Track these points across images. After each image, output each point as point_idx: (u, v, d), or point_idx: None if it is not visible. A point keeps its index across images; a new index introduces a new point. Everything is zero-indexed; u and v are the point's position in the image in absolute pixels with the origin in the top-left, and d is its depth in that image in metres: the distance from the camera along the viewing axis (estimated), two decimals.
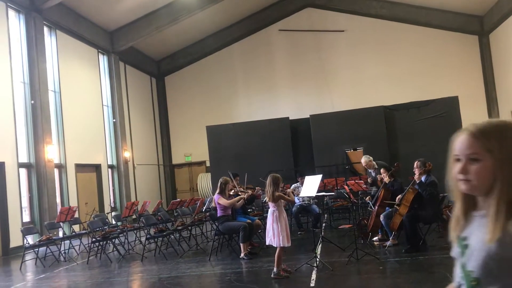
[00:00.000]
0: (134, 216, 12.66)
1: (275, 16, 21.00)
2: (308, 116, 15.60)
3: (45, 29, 13.96)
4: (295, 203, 10.40)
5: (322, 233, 9.19)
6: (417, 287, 5.41)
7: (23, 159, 12.64)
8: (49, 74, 13.84)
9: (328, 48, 20.47)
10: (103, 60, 17.55)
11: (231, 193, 8.62)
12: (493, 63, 18.93)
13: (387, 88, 19.20)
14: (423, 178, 7.37)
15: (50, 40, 14.42)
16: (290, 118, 15.90)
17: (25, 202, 12.69)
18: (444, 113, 14.35)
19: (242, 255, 7.84)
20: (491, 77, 19.04)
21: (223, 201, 8.14)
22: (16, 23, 13.01)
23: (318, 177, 7.08)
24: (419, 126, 14.48)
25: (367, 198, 8.69)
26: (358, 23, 20.25)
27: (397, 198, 7.68)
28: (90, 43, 16.37)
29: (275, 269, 6.24)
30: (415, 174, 7.45)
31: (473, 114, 18.11)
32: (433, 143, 13.78)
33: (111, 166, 17.23)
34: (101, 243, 9.60)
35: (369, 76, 19.86)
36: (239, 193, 8.88)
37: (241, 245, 7.92)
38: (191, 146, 21.22)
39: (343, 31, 20.35)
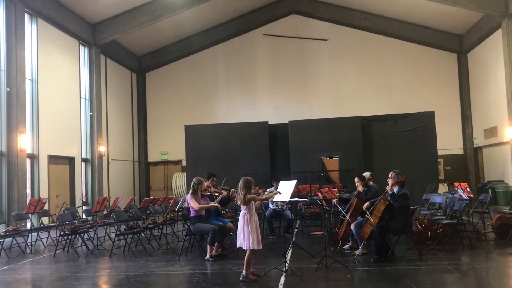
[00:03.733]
0: (105, 212, 12.49)
1: (261, 20, 21.09)
2: (287, 122, 15.69)
3: (26, 16, 13.70)
4: (269, 206, 10.45)
5: (293, 239, 9.23)
6: None
7: None
8: (27, 62, 13.57)
9: (310, 56, 20.64)
10: (83, 52, 17.29)
11: (206, 193, 8.56)
12: (470, 82, 19.38)
13: (366, 99, 19.50)
14: (395, 190, 7.46)
15: (30, 27, 14.14)
16: (269, 123, 15.95)
17: None
18: (420, 127, 14.62)
19: (207, 256, 7.92)
20: (467, 95, 19.48)
21: (194, 204, 8.07)
22: None
23: (293, 183, 7.09)
24: (395, 138, 14.71)
25: (335, 201, 8.62)
26: (341, 33, 20.49)
27: (364, 205, 7.74)
28: (71, 34, 16.11)
29: (243, 272, 6.25)
30: (388, 184, 7.53)
31: (448, 130, 18.54)
32: (407, 156, 14.03)
33: (85, 160, 16.97)
34: (69, 237, 9.45)
35: (349, 86, 20.12)
36: (214, 194, 8.83)
37: (208, 246, 7.94)
38: (168, 145, 21.09)
39: (326, 40, 20.55)
